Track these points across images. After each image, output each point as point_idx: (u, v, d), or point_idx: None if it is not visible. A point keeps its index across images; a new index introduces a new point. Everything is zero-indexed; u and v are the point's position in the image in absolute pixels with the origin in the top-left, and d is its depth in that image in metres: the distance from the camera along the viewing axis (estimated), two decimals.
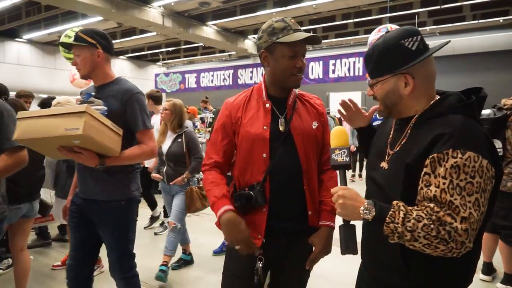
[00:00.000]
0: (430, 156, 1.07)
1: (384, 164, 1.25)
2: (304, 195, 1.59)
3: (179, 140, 3.46)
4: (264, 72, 1.65)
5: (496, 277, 3.35)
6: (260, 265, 1.53)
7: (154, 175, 3.65)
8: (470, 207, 1.02)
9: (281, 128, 1.57)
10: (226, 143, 1.63)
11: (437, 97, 1.21)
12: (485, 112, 3.02)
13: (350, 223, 1.18)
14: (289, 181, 1.51)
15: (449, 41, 1.22)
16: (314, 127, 1.63)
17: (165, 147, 3.49)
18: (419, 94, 1.18)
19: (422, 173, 1.09)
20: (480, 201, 1.04)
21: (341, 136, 1.26)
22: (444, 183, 1.04)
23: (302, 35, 1.48)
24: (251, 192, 1.52)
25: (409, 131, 1.20)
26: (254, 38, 13.85)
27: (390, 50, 1.16)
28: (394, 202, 1.11)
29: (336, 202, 1.15)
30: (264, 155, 1.53)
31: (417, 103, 1.20)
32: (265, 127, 1.55)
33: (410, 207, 1.10)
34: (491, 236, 3.23)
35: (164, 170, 3.52)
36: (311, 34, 1.50)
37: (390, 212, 1.08)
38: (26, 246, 2.84)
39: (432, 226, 1.03)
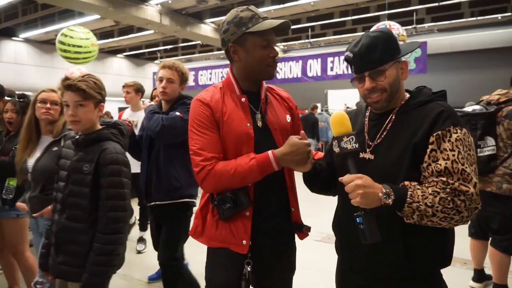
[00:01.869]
0: (435, 134, 1.17)
1: (366, 155, 1.28)
2: (286, 191, 1.55)
3: (55, 148, 2.23)
4: (231, 67, 1.54)
5: (489, 285, 3.12)
6: (249, 269, 1.45)
7: (19, 204, 2.35)
8: (474, 175, 1.15)
9: (259, 123, 1.49)
10: (218, 140, 1.45)
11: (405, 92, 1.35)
12: (476, 107, 2.87)
13: (368, 209, 1.12)
14: (271, 178, 1.41)
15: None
16: (288, 120, 1.58)
17: (31, 161, 2.25)
18: (403, 83, 1.32)
19: (429, 150, 1.17)
20: (476, 171, 1.18)
21: (344, 122, 1.22)
22: (453, 155, 1.14)
23: (274, 23, 1.40)
24: (235, 194, 1.41)
25: (393, 117, 1.29)
26: None
27: (392, 39, 1.26)
28: (406, 182, 1.16)
29: (354, 192, 1.11)
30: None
31: (402, 93, 1.32)
32: (248, 124, 1.46)
33: (421, 185, 1.16)
34: (479, 242, 3.07)
35: (27, 196, 2.25)
36: (282, 20, 1.43)
37: (410, 192, 1.12)
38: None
39: (448, 198, 1.10)
